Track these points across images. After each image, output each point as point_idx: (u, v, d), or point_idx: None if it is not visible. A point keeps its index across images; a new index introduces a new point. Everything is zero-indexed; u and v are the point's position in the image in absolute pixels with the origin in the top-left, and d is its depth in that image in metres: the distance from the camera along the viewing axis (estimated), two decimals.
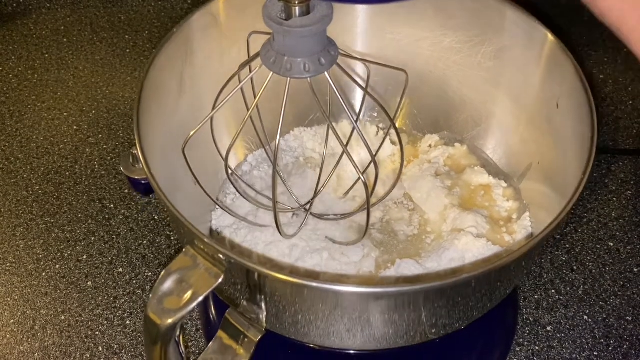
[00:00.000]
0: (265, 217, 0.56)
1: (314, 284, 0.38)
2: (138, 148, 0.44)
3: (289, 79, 0.40)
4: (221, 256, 0.39)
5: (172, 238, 0.65)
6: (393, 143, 0.63)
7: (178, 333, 0.41)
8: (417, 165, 0.62)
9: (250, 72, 0.46)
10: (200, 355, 0.45)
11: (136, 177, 0.50)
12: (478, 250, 0.53)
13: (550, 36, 0.51)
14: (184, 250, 0.41)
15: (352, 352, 0.51)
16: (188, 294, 0.39)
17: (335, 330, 0.43)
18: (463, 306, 0.44)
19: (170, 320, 0.39)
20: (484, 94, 0.60)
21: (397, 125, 0.64)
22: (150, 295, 0.40)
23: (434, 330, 0.45)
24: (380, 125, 0.66)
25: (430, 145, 0.64)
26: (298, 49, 0.39)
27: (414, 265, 0.52)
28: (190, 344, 0.58)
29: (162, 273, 0.41)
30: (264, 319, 0.44)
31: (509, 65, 0.57)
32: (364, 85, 0.51)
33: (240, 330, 0.46)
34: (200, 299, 0.40)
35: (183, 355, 0.44)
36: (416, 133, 0.66)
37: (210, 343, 0.46)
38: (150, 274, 0.62)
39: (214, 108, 0.46)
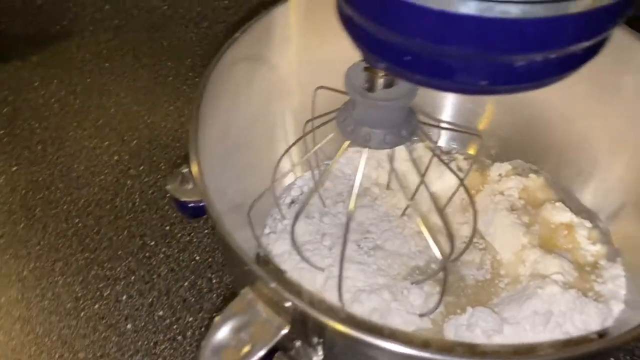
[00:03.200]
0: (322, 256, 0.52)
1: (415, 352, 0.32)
2: (195, 167, 0.41)
3: (366, 149, 0.39)
4: (288, 304, 0.34)
5: (213, 281, 0.63)
6: (459, 169, 0.58)
7: None
8: (487, 196, 0.55)
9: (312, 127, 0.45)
10: None
11: (185, 200, 0.46)
12: (567, 303, 0.47)
13: None
14: (241, 292, 0.36)
15: None
16: (247, 348, 0.34)
17: None
18: None
19: None
20: (575, 118, 0.52)
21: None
22: (202, 345, 0.35)
23: None
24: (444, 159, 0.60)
25: (500, 175, 0.57)
26: (380, 121, 0.38)
27: (490, 315, 0.47)
28: None
29: (217, 319, 0.35)
30: None
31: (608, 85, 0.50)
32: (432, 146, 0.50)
33: None
34: (261, 353, 0.35)
35: None
36: (484, 159, 0.59)
37: None
38: (191, 319, 0.60)
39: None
